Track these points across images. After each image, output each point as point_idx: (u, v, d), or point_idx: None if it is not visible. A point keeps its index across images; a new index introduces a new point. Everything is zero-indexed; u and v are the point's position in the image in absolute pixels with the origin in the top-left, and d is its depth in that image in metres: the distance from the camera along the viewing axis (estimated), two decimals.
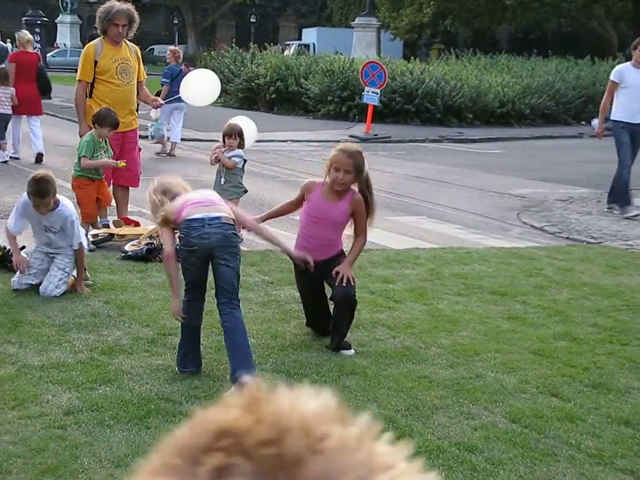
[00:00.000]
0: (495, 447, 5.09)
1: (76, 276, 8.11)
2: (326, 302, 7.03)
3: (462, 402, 5.73)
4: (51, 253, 8.17)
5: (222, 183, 10.29)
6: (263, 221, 7.12)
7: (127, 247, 9.47)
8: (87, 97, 10.34)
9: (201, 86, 10.83)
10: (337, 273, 6.64)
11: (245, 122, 10.81)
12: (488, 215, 13.42)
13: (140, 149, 10.80)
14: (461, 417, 5.50)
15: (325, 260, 6.76)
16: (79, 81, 10.21)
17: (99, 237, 9.91)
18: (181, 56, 20.20)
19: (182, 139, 20.10)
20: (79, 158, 9.71)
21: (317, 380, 5.96)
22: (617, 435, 5.31)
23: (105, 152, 9.75)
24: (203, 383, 5.83)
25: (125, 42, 10.29)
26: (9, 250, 8.41)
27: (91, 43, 10.41)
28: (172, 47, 22.45)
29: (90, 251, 9.31)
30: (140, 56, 10.58)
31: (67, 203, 8.14)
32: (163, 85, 18.32)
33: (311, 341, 6.87)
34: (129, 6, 10.22)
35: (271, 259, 9.40)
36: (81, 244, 8.10)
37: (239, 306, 6.09)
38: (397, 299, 8.16)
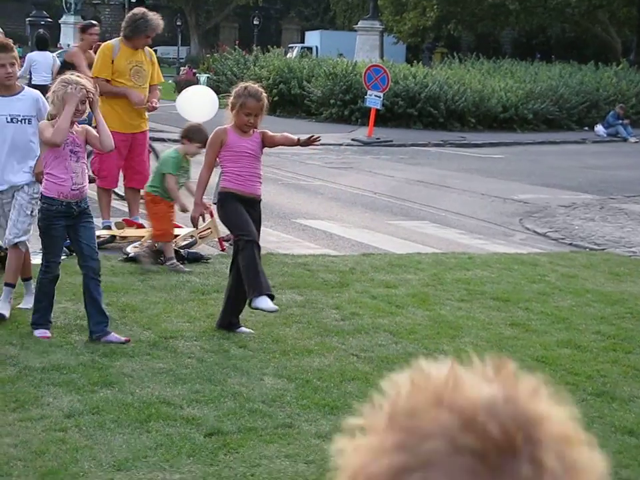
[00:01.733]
0: None
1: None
2: None
3: None
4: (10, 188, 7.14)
5: None
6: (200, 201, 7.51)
7: (129, 249, 9.44)
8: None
9: (199, 103, 10.71)
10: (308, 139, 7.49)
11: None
12: (490, 220, 13.39)
13: (149, 151, 10.76)
14: None
15: (251, 199, 7.15)
16: (96, 77, 9.88)
17: (101, 239, 9.87)
18: None
19: None
20: (162, 174, 9.13)
21: (318, 385, 5.93)
22: (620, 444, 5.28)
23: (185, 173, 9.26)
24: (204, 387, 5.80)
25: None
26: None
27: (109, 42, 10.40)
28: None
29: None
30: (155, 60, 10.58)
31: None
32: None
33: (313, 345, 6.83)
34: (159, 17, 10.25)
35: (272, 262, 9.37)
36: None
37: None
38: (399, 304, 8.12)
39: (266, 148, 7.36)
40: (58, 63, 19.04)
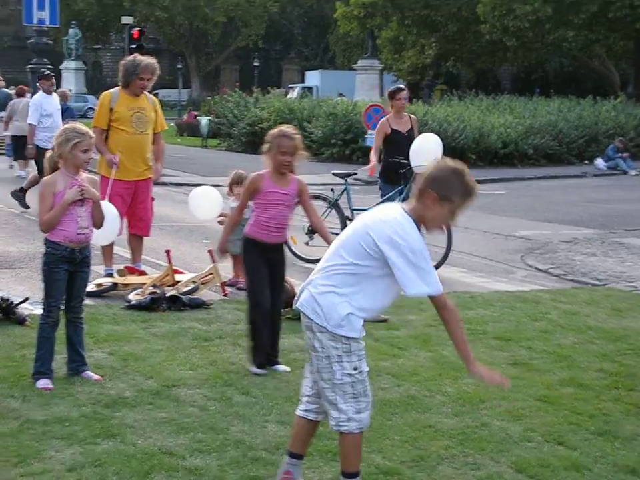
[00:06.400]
0: None
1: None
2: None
3: (467, 452, 5.68)
4: None
5: None
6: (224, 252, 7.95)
7: (131, 297, 9.45)
8: None
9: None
10: None
11: None
12: (492, 258, 13.41)
13: (153, 199, 10.78)
14: (467, 467, 5.46)
15: (274, 245, 7.40)
16: (94, 127, 10.08)
17: (103, 287, 9.90)
18: (69, 95, 22.36)
19: (186, 184, 20.22)
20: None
21: (321, 432, 5.91)
22: None
23: None
24: (206, 436, 5.78)
25: (144, 93, 10.36)
26: (11, 302, 8.39)
27: (108, 91, 10.48)
28: (60, 89, 25.41)
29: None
30: (158, 108, 10.62)
31: None
32: None
33: None
34: (153, 60, 10.31)
35: None
36: None
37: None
38: (402, 346, 8.13)
39: None
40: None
